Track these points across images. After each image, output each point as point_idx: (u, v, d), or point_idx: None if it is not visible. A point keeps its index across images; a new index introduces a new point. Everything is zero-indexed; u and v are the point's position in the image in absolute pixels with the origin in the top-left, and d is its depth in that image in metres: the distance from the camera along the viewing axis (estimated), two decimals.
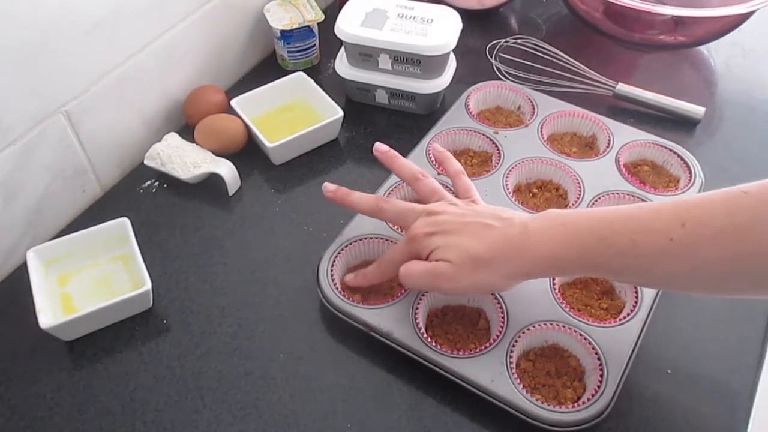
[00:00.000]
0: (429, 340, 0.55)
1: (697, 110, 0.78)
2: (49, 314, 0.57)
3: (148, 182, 0.73)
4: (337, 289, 0.59)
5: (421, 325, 0.56)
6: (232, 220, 0.69)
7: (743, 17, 0.80)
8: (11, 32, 0.57)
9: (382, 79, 0.77)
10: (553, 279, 0.59)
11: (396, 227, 0.63)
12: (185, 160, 0.71)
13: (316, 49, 0.86)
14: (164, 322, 0.60)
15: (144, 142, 0.74)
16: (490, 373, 0.53)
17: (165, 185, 0.72)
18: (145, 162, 0.72)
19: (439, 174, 0.69)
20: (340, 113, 0.74)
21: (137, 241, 0.62)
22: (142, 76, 0.72)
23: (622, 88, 0.80)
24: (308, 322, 0.60)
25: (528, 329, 0.56)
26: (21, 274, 0.61)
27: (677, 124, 0.79)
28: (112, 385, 0.56)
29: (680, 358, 0.57)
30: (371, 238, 0.62)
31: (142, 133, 0.75)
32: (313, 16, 0.83)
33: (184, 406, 0.55)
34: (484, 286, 0.53)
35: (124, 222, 0.63)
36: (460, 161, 0.72)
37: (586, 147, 0.74)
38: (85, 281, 0.62)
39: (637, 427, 0.53)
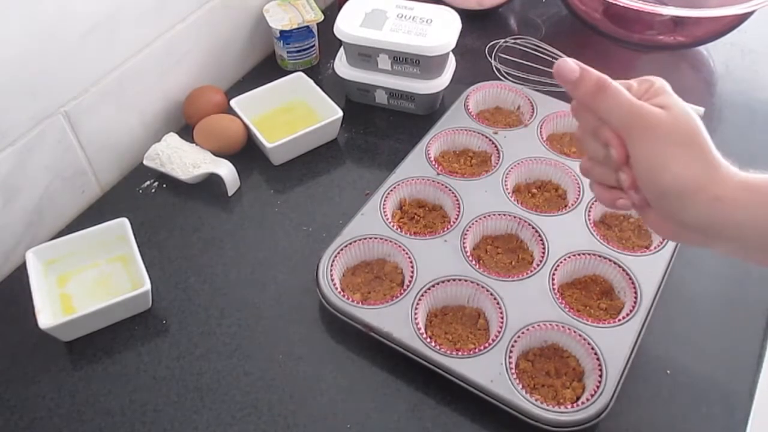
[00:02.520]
0: (428, 340, 0.55)
1: (696, 111, 0.78)
2: (48, 314, 0.57)
3: (148, 183, 0.73)
4: (336, 289, 0.59)
5: (420, 325, 0.56)
6: (231, 220, 0.69)
7: (742, 18, 0.80)
8: (11, 33, 0.57)
9: (381, 79, 0.77)
10: (553, 279, 0.59)
11: (396, 227, 0.64)
12: (185, 160, 0.71)
13: (315, 49, 0.86)
14: (164, 323, 0.60)
15: (143, 143, 0.74)
16: (490, 373, 0.53)
17: (164, 186, 0.72)
18: (145, 162, 0.72)
19: (438, 174, 0.69)
20: (340, 113, 0.74)
21: (136, 241, 0.62)
22: (141, 76, 0.72)
23: None
24: (308, 323, 0.60)
25: (527, 329, 0.56)
26: (20, 274, 0.61)
27: None
28: (111, 385, 0.56)
29: (680, 358, 0.57)
30: (371, 238, 0.62)
31: (141, 133, 0.75)
32: (313, 16, 0.83)
33: (184, 406, 0.55)
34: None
35: (124, 222, 0.63)
36: (459, 162, 0.72)
37: None
38: (85, 282, 0.62)
39: (636, 427, 0.53)
